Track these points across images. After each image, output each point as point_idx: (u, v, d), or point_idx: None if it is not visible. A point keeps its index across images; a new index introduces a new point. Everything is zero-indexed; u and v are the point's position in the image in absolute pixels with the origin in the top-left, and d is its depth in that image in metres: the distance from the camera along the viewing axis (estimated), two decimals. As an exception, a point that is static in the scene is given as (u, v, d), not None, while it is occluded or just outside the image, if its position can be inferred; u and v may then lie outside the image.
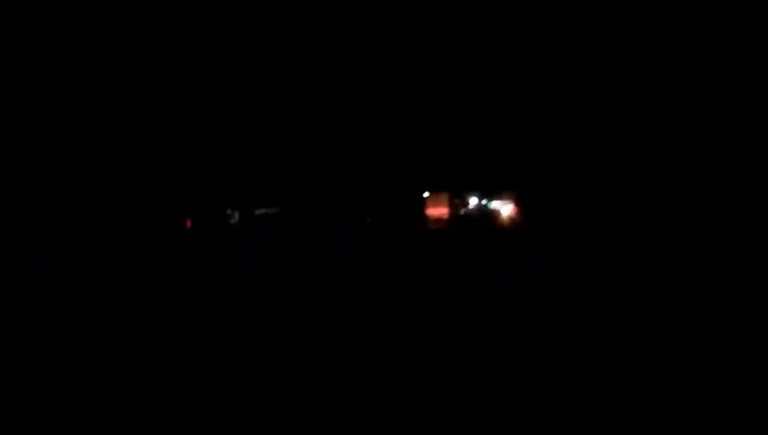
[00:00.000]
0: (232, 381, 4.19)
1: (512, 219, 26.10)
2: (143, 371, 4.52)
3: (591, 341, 5.05)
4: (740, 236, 12.60)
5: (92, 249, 16.41)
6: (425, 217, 25.35)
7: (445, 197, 26.17)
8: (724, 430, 3.31)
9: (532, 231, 18.37)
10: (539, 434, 3.32)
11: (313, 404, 3.75)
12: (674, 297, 6.84)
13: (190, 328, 6.10)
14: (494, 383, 4.03)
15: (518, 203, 27.53)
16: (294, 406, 3.74)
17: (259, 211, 23.81)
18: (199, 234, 19.70)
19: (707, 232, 13.78)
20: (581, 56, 19.26)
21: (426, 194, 27.04)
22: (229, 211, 23.67)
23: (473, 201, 32.61)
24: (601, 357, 4.59)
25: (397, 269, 10.86)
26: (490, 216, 29.15)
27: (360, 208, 24.49)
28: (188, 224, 21.46)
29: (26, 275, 11.09)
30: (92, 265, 12.57)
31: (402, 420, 3.46)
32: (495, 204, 32.22)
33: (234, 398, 3.87)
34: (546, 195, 22.16)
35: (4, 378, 4.50)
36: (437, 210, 25.80)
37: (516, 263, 11.10)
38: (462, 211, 29.96)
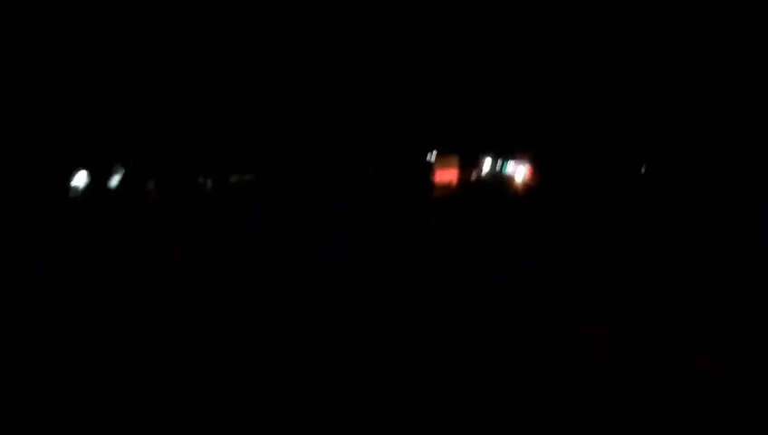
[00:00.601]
0: (232, 382, 4.19)
1: (526, 184, 24.72)
2: (143, 371, 4.51)
3: (591, 341, 5.05)
4: (740, 236, 12.60)
5: (92, 249, 16.38)
6: (432, 183, 23.22)
7: (454, 160, 23.93)
8: (724, 430, 3.31)
9: (546, 196, 18.22)
10: (540, 433, 3.32)
11: (314, 404, 3.75)
12: (674, 297, 6.83)
13: (191, 328, 6.10)
14: (494, 383, 4.03)
15: (533, 164, 25.69)
16: (295, 406, 3.74)
17: (233, 178, 22.92)
18: (169, 205, 18.82)
19: (707, 232, 13.78)
20: (581, 56, 19.23)
21: (433, 157, 24.84)
22: (201, 179, 22.74)
23: (486, 164, 30.31)
24: (601, 357, 4.59)
25: (397, 269, 10.86)
26: (504, 182, 27.23)
27: (361, 208, 23.96)
28: (152, 192, 20.64)
29: (26, 275, 11.07)
30: (92, 265, 12.54)
31: (402, 421, 3.46)
32: (510, 166, 29.81)
33: (234, 398, 3.87)
34: (560, 156, 21.65)
35: (4, 378, 4.50)
36: (446, 175, 23.64)
37: (516, 263, 11.10)
38: (474, 176, 27.87)
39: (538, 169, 25.27)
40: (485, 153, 29.24)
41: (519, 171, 28.31)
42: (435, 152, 24.86)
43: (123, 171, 20.71)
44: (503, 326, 5.72)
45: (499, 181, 28.10)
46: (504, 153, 29.49)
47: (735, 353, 4.51)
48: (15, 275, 11.18)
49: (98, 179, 20.11)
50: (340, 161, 24.06)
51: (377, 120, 22.96)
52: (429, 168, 24.46)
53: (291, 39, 20.79)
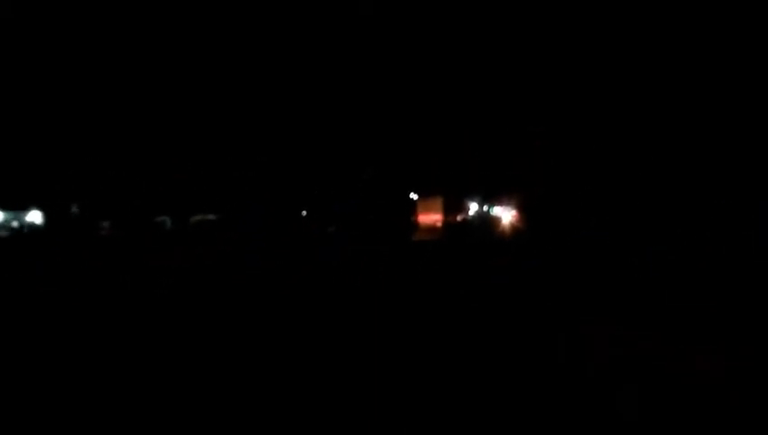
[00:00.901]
0: (233, 380, 4.19)
1: (513, 226, 24.64)
2: (144, 370, 4.51)
3: (591, 341, 5.05)
4: (740, 236, 12.59)
5: (92, 249, 16.35)
6: (414, 225, 22.46)
7: (438, 201, 23.35)
8: (724, 429, 3.31)
9: (533, 236, 18.30)
10: (539, 433, 3.32)
11: (314, 402, 3.75)
12: (674, 297, 6.83)
13: (191, 328, 6.10)
14: (495, 383, 4.03)
15: (520, 208, 25.82)
16: (295, 404, 3.74)
17: (195, 218, 23.19)
18: (124, 241, 18.64)
19: (707, 232, 13.77)
20: (582, 56, 19.23)
21: (416, 197, 24.49)
22: (160, 218, 22.99)
23: (473, 207, 30.97)
24: (601, 357, 4.59)
25: (397, 269, 10.85)
26: (491, 223, 27.04)
27: (361, 208, 23.93)
28: (104, 230, 20.57)
29: (26, 275, 11.07)
30: (92, 265, 12.53)
31: (402, 419, 3.46)
32: (497, 210, 30.65)
33: (235, 396, 3.87)
34: (548, 198, 21.76)
35: (4, 378, 4.50)
36: (429, 217, 22.93)
37: (516, 263, 11.10)
38: (459, 218, 27.62)
39: (523, 213, 25.32)
40: (473, 197, 29.93)
41: (505, 215, 28.79)
42: (416, 196, 24.93)
43: (78, 211, 20.94)
44: (503, 326, 5.72)
45: (486, 221, 28.26)
46: (490, 198, 30.28)
47: (735, 353, 4.50)
48: (15, 275, 11.16)
49: (54, 218, 20.29)
50: (340, 161, 24.05)
51: (376, 120, 22.98)
52: (411, 209, 24.15)
53: (291, 39, 20.75)
